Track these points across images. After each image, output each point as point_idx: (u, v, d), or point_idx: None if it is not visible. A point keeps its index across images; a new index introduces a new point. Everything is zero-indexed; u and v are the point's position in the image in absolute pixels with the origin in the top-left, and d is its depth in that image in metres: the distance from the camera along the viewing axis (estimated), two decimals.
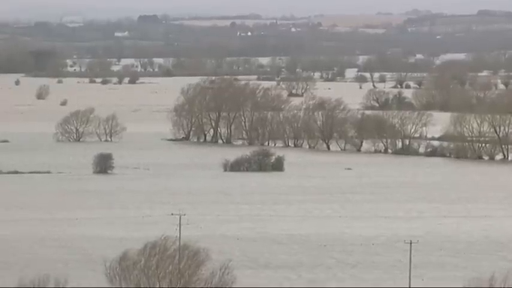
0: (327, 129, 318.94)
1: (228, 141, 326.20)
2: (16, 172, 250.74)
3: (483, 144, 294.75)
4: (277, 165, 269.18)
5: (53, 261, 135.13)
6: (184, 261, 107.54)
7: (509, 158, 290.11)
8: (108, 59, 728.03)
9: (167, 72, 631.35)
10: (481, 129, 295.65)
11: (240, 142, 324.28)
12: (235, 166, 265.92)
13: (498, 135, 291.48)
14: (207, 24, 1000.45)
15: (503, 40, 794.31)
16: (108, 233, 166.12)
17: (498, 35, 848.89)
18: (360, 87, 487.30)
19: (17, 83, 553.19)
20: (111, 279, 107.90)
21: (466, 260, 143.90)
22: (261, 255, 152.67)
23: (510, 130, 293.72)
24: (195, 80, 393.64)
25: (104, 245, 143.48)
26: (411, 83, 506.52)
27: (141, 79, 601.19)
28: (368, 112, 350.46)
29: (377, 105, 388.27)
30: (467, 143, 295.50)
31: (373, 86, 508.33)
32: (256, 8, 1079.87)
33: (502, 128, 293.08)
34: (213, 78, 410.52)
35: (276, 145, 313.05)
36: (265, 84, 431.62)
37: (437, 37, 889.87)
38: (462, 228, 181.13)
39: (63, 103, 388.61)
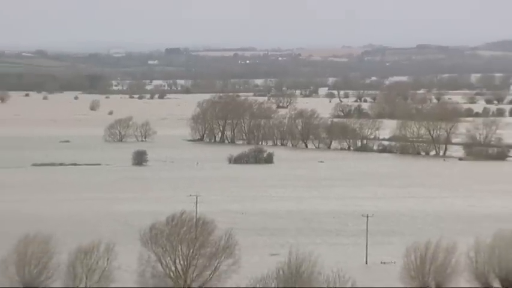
0: (305, 132, 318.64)
1: (232, 141, 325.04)
2: (75, 164, 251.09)
3: (421, 144, 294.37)
4: (268, 159, 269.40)
5: (105, 230, 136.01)
6: (199, 229, 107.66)
7: (440, 154, 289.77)
8: (143, 81, 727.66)
9: (187, 90, 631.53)
10: (419, 132, 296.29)
11: (240, 142, 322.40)
12: (237, 160, 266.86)
13: (432, 137, 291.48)
14: (216, 54, 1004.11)
15: (436, 67, 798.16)
16: (144, 208, 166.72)
17: (432, 63, 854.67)
18: (330, 102, 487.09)
19: (76, 98, 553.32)
20: (145, 243, 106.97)
21: (411, 229, 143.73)
22: (257, 225, 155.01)
23: (440, 133, 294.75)
24: (207, 96, 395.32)
25: (141, 217, 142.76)
26: (367, 98, 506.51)
27: (168, 95, 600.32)
28: (335, 120, 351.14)
29: (342, 114, 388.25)
30: (409, 143, 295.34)
31: (339, 100, 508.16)
32: (252, 42, 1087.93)
33: (434, 131, 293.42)
34: (221, 94, 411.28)
35: (267, 144, 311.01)
36: (259, 99, 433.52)
37: (387, 64, 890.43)
38: (407, 205, 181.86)
39: (110, 113, 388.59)
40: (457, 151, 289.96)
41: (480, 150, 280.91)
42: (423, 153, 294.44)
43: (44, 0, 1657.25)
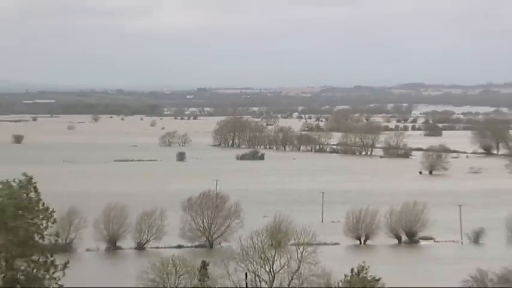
0: (284, 140, 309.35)
1: (238, 146, 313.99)
2: (140, 160, 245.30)
3: (356, 147, 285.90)
4: (261, 157, 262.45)
5: (160, 201, 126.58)
6: (218, 200, 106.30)
7: (368, 154, 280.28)
8: (183, 108, 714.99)
9: (210, 114, 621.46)
10: (355, 140, 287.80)
11: (244, 146, 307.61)
12: (242, 157, 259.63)
13: (363, 143, 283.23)
14: (229, 91, 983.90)
15: (366, 99, 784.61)
16: (184, 188, 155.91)
17: (363, 97, 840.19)
18: (299, 121, 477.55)
19: (141, 119, 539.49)
20: (184, 209, 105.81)
21: (351, 201, 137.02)
22: (255, 199, 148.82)
23: (368, 141, 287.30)
24: (223, 118, 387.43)
25: (182, 193, 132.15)
26: (323, 119, 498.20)
27: (199, 118, 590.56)
28: (303, 132, 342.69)
29: (307, 129, 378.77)
30: (348, 147, 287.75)
31: (306, 120, 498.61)
32: (251, 84, 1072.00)
33: (364, 140, 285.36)
34: (231, 117, 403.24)
35: (261, 148, 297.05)
36: (256, 120, 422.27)
37: (335, 98, 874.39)
38: (349, 186, 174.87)
39: (162, 128, 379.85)
40: (379, 152, 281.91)
41: (393, 151, 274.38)
42: (358, 154, 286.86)
43: (121, 52, 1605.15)
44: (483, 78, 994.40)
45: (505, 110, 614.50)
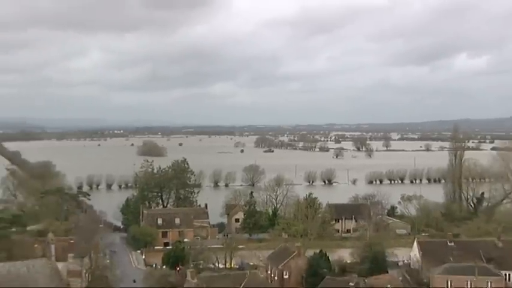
0: (281, 145, 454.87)
1: (264, 147, 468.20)
2: (230, 152, 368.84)
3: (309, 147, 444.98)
4: (272, 151, 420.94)
5: (229, 168, 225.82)
6: (255, 168, 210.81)
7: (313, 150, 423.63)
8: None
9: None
10: (310, 144, 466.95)
11: (266, 148, 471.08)
12: (265, 151, 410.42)
13: (311, 145, 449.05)
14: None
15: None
16: (241, 163, 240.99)
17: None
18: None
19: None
20: (244, 170, 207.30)
21: (306, 167, 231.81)
22: (270, 167, 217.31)
23: (312, 145, 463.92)
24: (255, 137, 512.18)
25: (241, 164, 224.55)
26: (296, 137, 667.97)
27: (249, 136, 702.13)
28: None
29: (290, 141, 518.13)
30: (306, 147, 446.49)
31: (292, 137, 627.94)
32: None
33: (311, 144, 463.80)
34: (258, 136, 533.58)
35: (274, 148, 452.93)
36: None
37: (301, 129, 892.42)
38: (305, 162, 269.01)
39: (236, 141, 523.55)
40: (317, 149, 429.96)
41: (322, 148, 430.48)
42: (309, 150, 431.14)
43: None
44: None
45: None
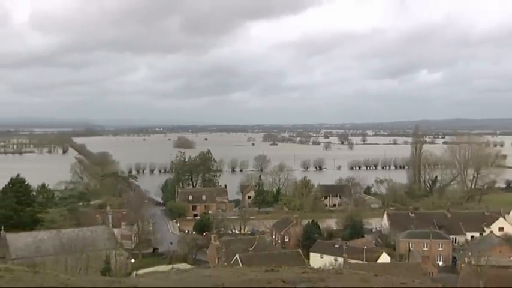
0: (283, 140, 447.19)
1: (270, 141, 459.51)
2: (242, 145, 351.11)
3: (304, 142, 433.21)
4: (276, 145, 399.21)
5: (244, 156, 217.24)
6: (263, 157, 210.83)
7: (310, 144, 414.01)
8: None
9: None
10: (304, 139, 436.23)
11: (271, 142, 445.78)
12: (271, 144, 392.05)
13: (306, 140, 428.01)
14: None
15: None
16: (252, 153, 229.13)
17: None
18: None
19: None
20: (255, 159, 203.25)
21: (301, 157, 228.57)
22: (275, 156, 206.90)
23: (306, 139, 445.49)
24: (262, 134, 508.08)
25: (253, 154, 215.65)
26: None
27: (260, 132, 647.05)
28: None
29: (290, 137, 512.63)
30: (301, 141, 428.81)
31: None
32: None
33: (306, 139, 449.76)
34: (265, 133, 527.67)
35: (278, 142, 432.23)
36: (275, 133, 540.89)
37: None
38: (301, 152, 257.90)
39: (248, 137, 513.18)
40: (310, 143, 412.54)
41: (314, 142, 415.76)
42: (304, 144, 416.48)
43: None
44: None
45: None
